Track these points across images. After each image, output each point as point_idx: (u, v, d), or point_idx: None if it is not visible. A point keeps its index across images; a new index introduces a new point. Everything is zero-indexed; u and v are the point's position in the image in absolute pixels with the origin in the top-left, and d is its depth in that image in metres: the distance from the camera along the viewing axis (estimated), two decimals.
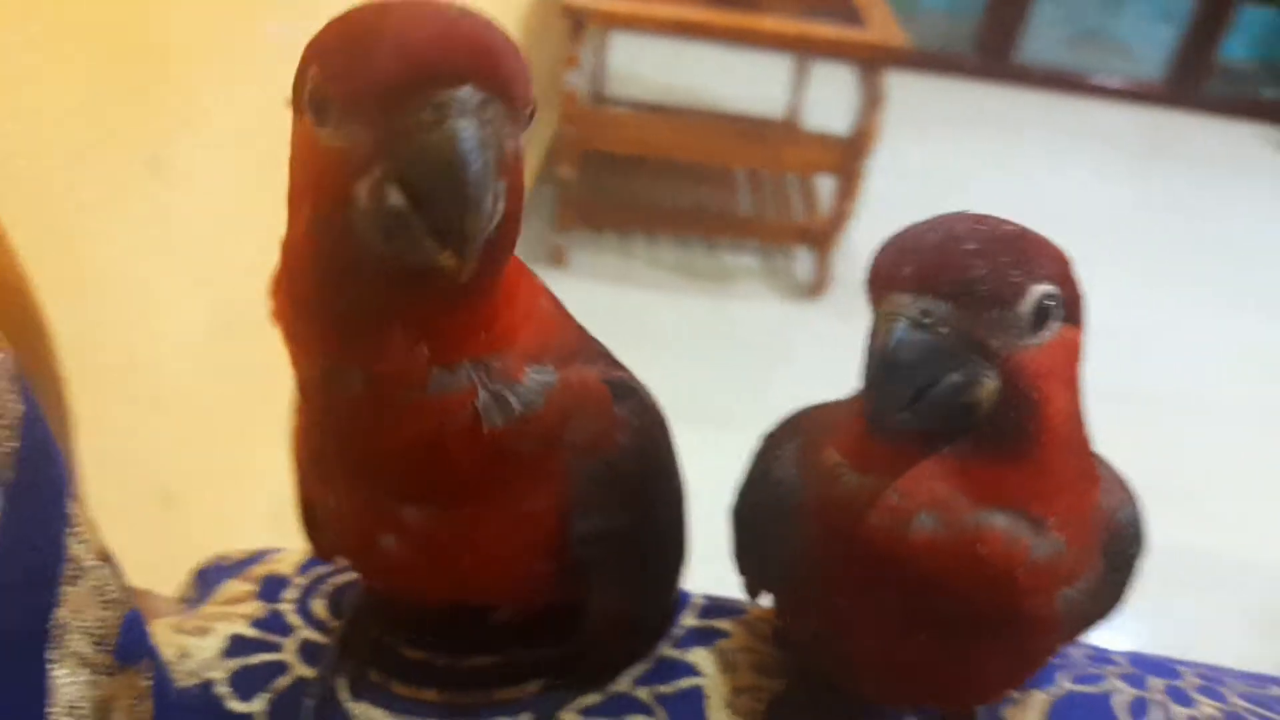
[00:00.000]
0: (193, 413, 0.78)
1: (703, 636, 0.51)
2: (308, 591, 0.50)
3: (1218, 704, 0.46)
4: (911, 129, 2.93)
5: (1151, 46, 3.59)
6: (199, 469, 0.82)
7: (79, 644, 0.35)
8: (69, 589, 0.35)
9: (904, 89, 3.08)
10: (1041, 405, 0.36)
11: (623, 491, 0.42)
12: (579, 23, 1.93)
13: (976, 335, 0.35)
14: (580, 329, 0.43)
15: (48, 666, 0.34)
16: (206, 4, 0.75)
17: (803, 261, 2.28)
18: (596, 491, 0.40)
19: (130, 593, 0.39)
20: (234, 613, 0.48)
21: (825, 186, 2.28)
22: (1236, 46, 3.61)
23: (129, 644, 0.38)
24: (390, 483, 0.37)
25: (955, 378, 0.35)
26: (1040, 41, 3.48)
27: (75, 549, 0.36)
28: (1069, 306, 0.37)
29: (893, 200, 2.49)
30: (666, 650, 0.50)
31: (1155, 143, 3.27)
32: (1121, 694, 0.46)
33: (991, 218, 0.38)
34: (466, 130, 0.30)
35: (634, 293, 2.12)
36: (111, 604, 0.38)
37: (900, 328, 0.35)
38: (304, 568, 0.52)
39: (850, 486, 0.39)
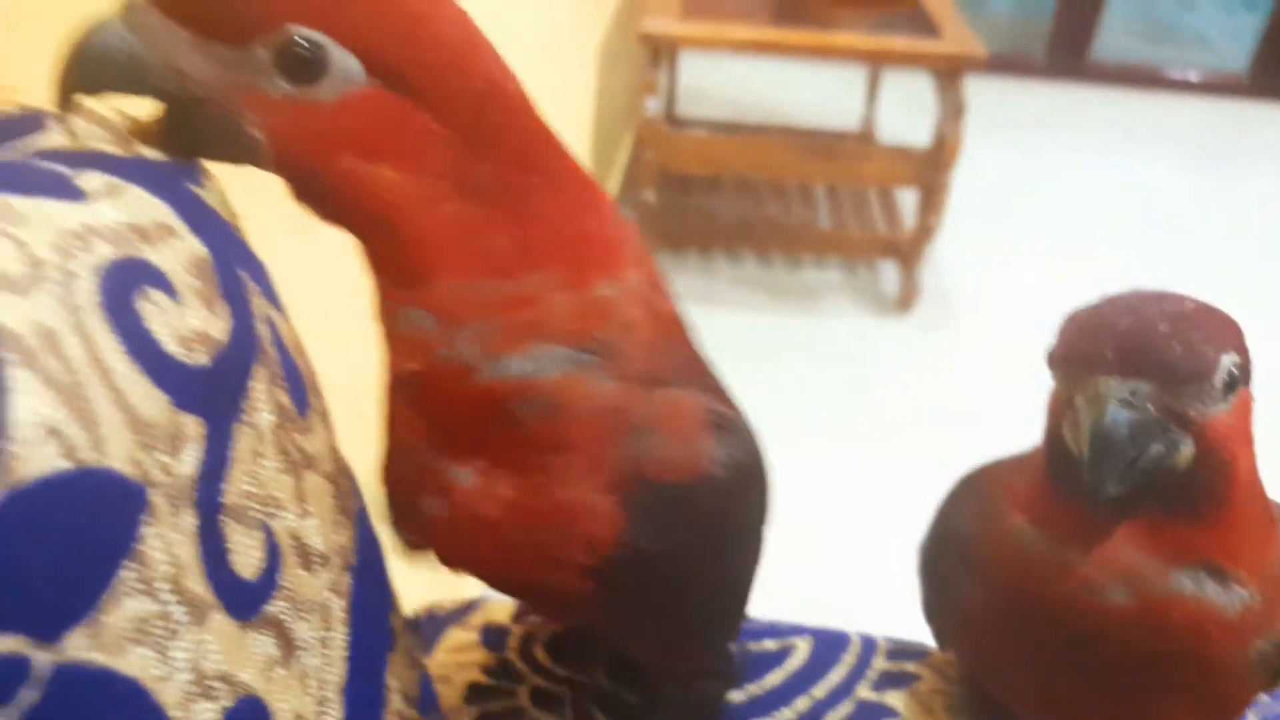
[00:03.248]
0: None
1: (895, 680, 0.55)
2: (526, 640, 0.55)
3: None
4: (986, 134, 2.93)
5: (1232, 37, 3.55)
6: None
7: (398, 703, 0.40)
8: (393, 657, 0.40)
9: (976, 93, 3.09)
10: (1230, 464, 0.40)
11: (694, 524, 0.40)
12: (656, 49, 1.98)
13: (1177, 408, 0.39)
14: (695, 357, 0.44)
15: None
16: None
17: (888, 275, 2.30)
18: (661, 511, 0.39)
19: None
20: (466, 661, 0.53)
21: (907, 197, 2.30)
22: None
23: (427, 699, 0.43)
24: (419, 428, 0.38)
25: (1158, 447, 0.39)
26: (1114, 37, 3.46)
27: (394, 622, 0.41)
28: (1245, 370, 0.41)
29: (974, 208, 2.52)
30: (864, 692, 0.54)
31: (1239, 136, 3.22)
32: None
33: (1169, 294, 0.42)
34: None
35: (718, 312, 2.15)
36: (415, 665, 0.43)
37: (1111, 409, 0.39)
38: (517, 617, 0.57)
39: (1038, 552, 0.43)
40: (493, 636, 0.55)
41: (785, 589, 1.49)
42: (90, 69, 0.32)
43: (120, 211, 0.30)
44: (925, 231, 2.11)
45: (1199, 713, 0.43)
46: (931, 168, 2.04)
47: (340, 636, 0.37)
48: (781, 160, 2.17)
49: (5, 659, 0.24)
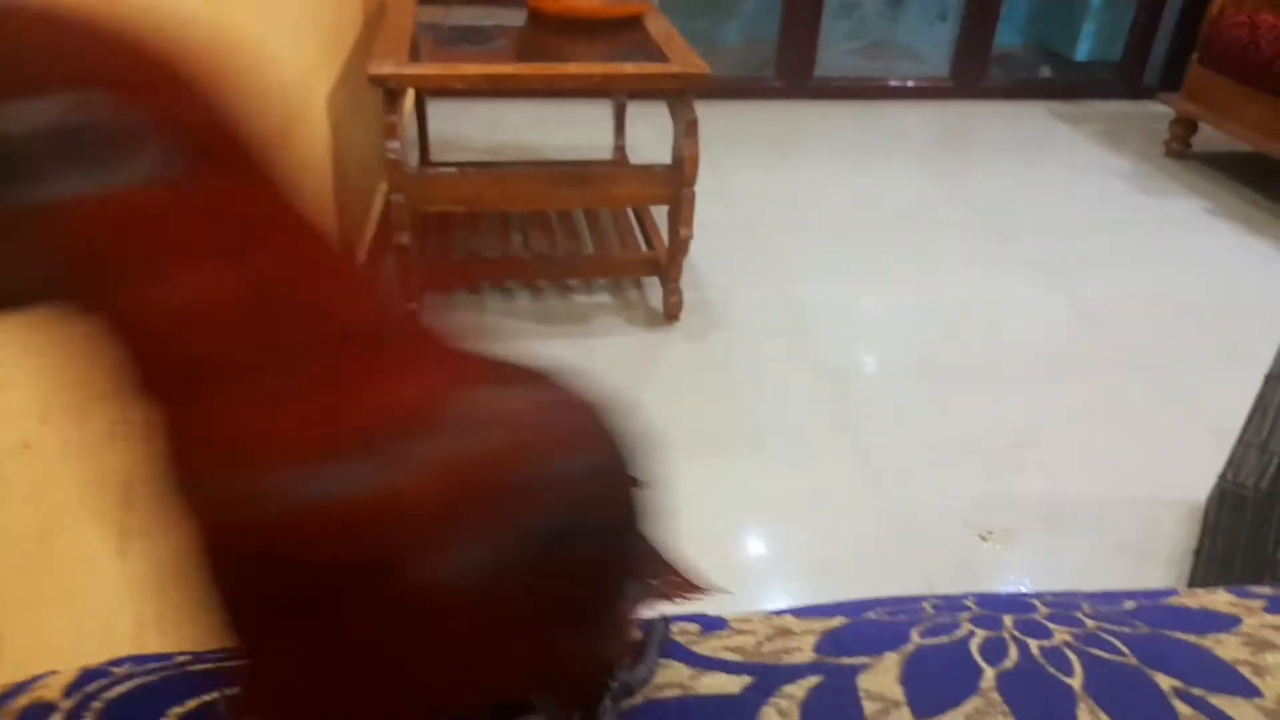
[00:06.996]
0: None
1: None
2: (73, 715, 0.42)
3: (1072, 629, 0.44)
4: (733, 154, 3.00)
5: (934, 46, 3.80)
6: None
7: None
8: None
9: (722, 118, 3.16)
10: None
11: None
12: (390, 91, 1.88)
13: None
14: None
15: None
16: None
17: (654, 291, 2.27)
18: None
19: None
20: None
21: (665, 217, 2.28)
22: (1009, 35, 3.86)
23: None
24: None
25: None
26: (835, 56, 3.64)
27: None
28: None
29: (730, 223, 2.54)
30: None
31: (950, 133, 3.43)
32: (975, 637, 0.43)
33: None
34: None
35: (494, 347, 2.05)
36: None
37: None
38: (73, 688, 0.44)
39: None
40: (34, 715, 0.42)
41: None
42: None
43: None
44: (679, 245, 2.09)
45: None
46: (675, 184, 2.03)
47: None
48: (533, 190, 2.11)
49: None
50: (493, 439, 0.29)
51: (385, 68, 1.86)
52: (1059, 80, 3.92)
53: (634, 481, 0.35)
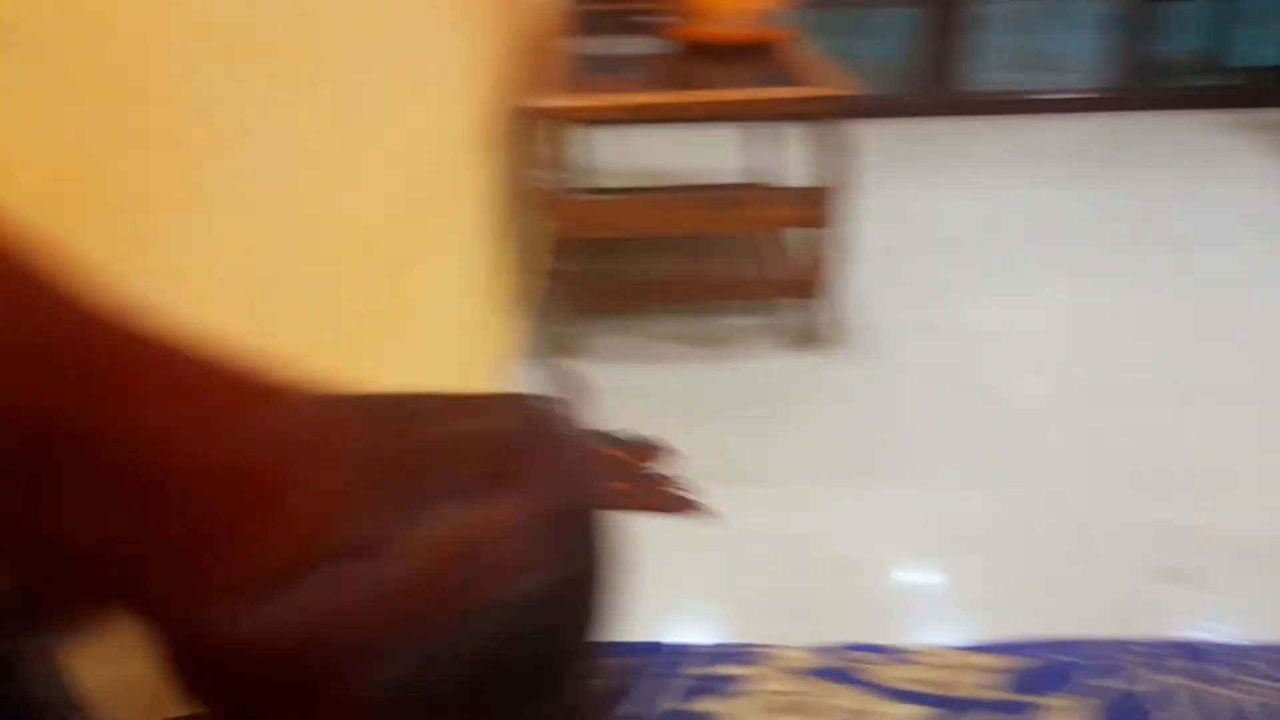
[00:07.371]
0: None
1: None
2: None
3: (1255, 680, 0.41)
4: (880, 173, 2.94)
5: (1088, 56, 3.64)
6: None
7: None
8: None
9: (864, 136, 3.11)
10: None
11: None
12: (543, 122, 1.95)
13: None
14: None
15: None
16: None
17: (801, 313, 2.25)
18: None
19: None
20: None
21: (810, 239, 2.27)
22: (1172, 42, 3.66)
23: None
24: None
25: None
26: (982, 69, 3.53)
27: None
28: None
29: (874, 242, 2.50)
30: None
31: (1106, 146, 3.27)
32: (1178, 688, 0.41)
33: None
34: None
35: (638, 370, 2.09)
36: None
37: None
38: None
39: None
40: None
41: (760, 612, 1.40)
42: None
43: None
44: (829, 267, 2.08)
45: None
46: (821, 206, 2.02)
47: None
48: (684, 215, 2.14)
49: None
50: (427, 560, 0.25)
51: (542, 100, 1.92)
52: (1227, 89, 3.68)
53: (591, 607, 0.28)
